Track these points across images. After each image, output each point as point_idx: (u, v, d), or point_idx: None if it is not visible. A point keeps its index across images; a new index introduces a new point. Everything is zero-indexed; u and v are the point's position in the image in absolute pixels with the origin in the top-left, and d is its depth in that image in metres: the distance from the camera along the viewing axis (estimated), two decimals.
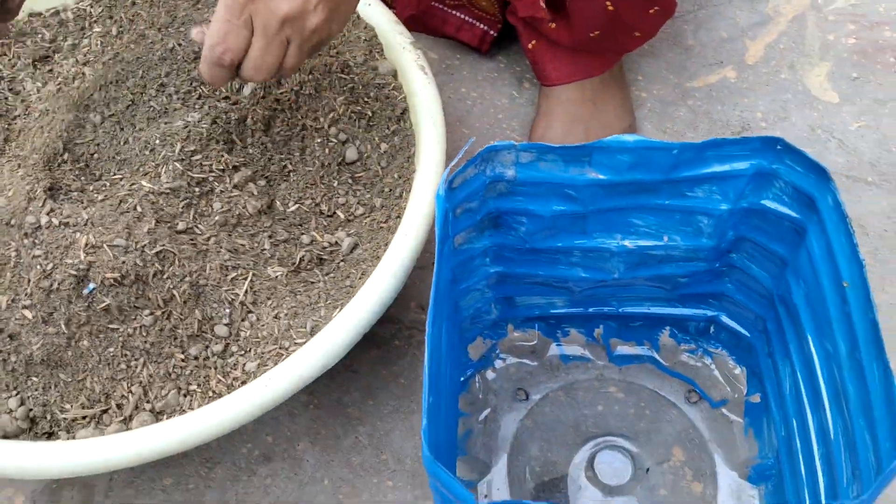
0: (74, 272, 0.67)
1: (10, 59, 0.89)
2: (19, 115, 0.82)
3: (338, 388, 0.84)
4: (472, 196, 0.64)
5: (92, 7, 0.90)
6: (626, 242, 0.69)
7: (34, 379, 0.68)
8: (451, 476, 0.47)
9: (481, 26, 1.06)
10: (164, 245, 0.69)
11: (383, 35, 0.87)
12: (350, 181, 0.80)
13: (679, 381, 0.83)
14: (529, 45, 0.99)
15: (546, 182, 0.64)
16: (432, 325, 0.54)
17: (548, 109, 0.99)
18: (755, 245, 0.69)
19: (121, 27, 0.86)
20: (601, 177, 0.63)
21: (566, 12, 0.91)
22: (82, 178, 0.73)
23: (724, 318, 0.79)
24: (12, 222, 0.69)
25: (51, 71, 0.87)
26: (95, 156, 0.75)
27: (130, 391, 0.68)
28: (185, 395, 0.68)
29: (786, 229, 0.65)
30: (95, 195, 0.72)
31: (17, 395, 0.67)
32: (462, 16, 1.07)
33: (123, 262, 0.68)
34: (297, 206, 0.77)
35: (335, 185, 0.80)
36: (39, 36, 0.90)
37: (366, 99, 0.83)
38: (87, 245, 0.67)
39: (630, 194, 0.65)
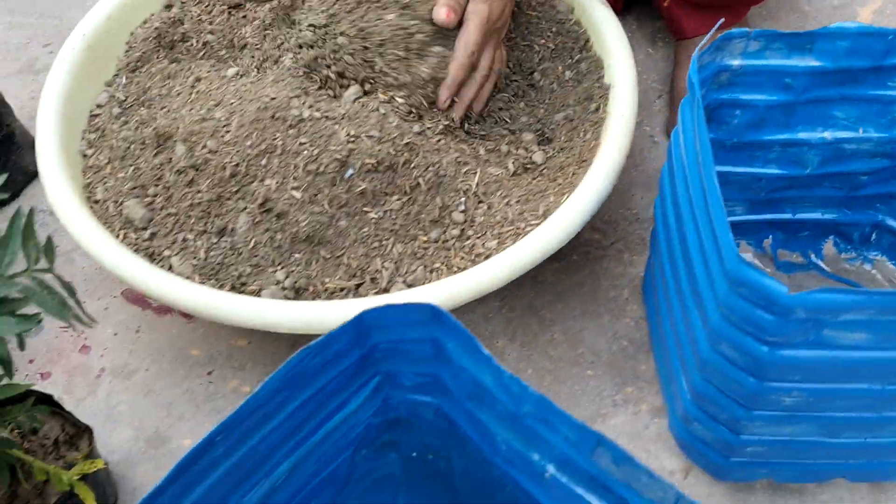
0: (339, 157, 0.74)
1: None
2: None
3: (527, 295, 0.90)
4: (702, 84, 0.72)
5: None
6: (826, 134, 0.77)
7: (297, 255, 0.74)
8: (761, 271, 0.54)
9: None
10: (410, 138, 0.76)
11: None
12: (540, 101, 0.88)
13: (844, 285, 0.90)
14: (665, 3, 1.08)
15: (767, 70, 0.72)
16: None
17: (687, 61, 1.07)
18: None
19: None
20: (819, 63, 0.71)
21: None
22: (336, 85, 0.80)
23: (890, 221, 0.87)
24: (276, 115, 0.76)
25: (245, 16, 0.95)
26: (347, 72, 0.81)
27: (384, 266, 0.74)
28: (430, 272, 0.75)
29: None
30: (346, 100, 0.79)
31: (282, 268, 0.74)
32: None
33: (379, 150, 0.75)
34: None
35: (523, 104, 0.88)
36: None
37: (549, 32, 0.92)
38: (347, 135, 0.74)
39: (838, 84, 0.73)
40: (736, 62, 0.72)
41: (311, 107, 0.76)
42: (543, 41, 0.92)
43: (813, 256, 0.91)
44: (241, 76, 0.85)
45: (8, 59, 1.17)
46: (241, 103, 0.79)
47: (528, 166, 0.84)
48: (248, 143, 0.75)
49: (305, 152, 0.74)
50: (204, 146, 0.76)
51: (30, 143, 0.99)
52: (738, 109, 0.76)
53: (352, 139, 0.75)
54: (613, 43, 0.88)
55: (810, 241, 0.90)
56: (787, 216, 0.88)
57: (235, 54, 0.92)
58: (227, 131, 0.76)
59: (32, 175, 1.00)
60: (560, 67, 0.91)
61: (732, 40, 0.71)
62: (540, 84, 0.90)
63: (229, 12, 0.96)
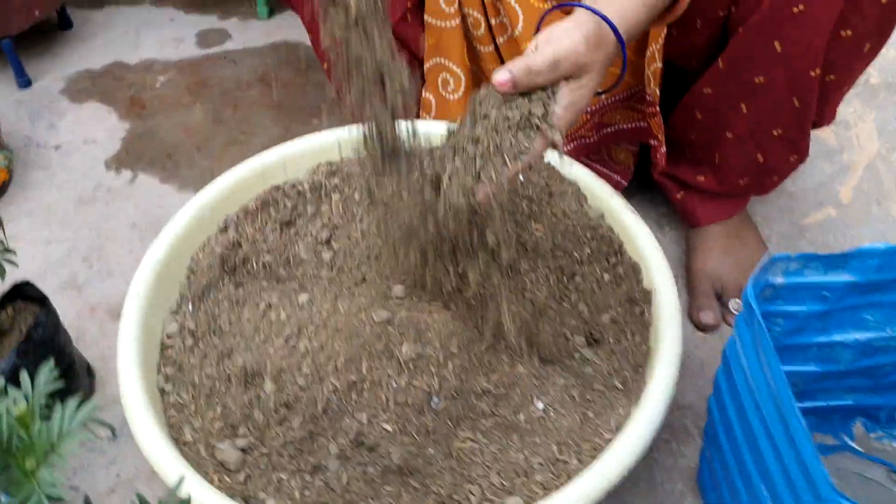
0: (426, 388, 0.79)
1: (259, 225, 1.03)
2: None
3: None
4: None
5: (327, 179, 1.06)
6: (858, 335, 0.85)
7: (388, 487, 0.77)
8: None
9: (615, 177, 1.25)
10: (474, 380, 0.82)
11: (587, 188, 1.04)
12: (583, 303, 0.95)
13: (878, 464, 0.96)
14: (678, 196, 1.18)
15: (806, 286, 0.81)
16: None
17: (702, 245, 1.17)
18: None
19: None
20: (852, 278, 0.80)
21: (717, 166, 1.11)
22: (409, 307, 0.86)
23: None
24: (365, 347, 0.81)
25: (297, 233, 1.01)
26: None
27: (472, 492, 0.78)
28: (521, 494, 0.78)
29: None
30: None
31: (374, 502, 0.77)
32: (599, 166, 1.26)
33: (461, 379, 0.80)
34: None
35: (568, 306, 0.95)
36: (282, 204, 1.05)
37: (584, 238, 1.00)
38: (432, 365, 0.80)
39: (869, 293, 0.82)
40: (779, 280, 0.80)
41: (398, 344, 0.82)
42: (580, 246, 1.00)
43: (845, 437, 0.97)
44: (313, 302, 0.90)
45: (49, 275, 1.21)
46: (324, 334, 0.83)
47: (585, 370, 0.90)
48: (339, 377, 0.80)
49: (395, 384, 0.79)
50: (294, 382, 0.80)
51: (85, 367, 1.02)
52: (780, 318, 0.84)
53: (435, 369, 0.80)
54: (647, 248, 0.96)
55: (840, 423, 0.97)
56: (821, 404, 0.95)
57: (292, 273, 0.98)
58: (317, 365, 0.81)
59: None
60: (598, 270, 0.98)
61: (777, 263, 0.79)
62: (581, 287, 0.97)
63: (281, 230, 1.03)
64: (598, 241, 1.01)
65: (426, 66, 1.16)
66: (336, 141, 1.07)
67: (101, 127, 1.48)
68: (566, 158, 1.06)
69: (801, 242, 1.23)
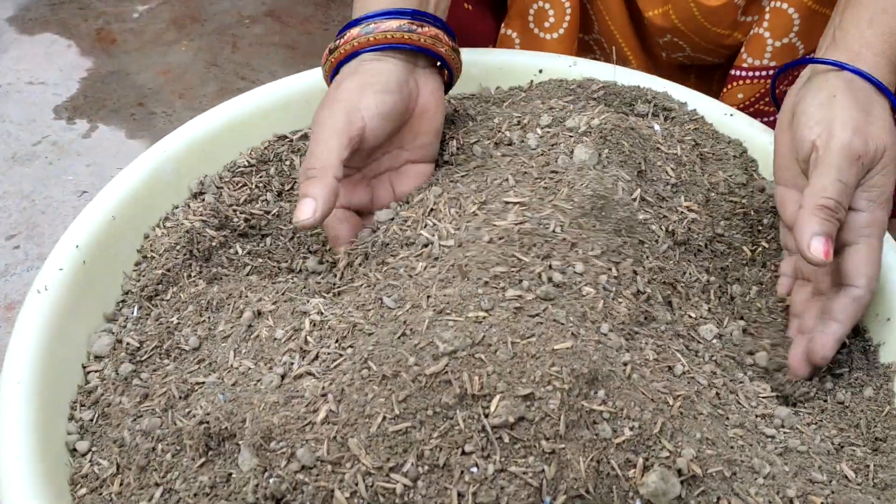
0: (536, 483, 0.43)
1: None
2: None
3: None
4: None
5: None
6: None
7: None
8: None
9: None
10: None
11: (759, 148, 0.68)
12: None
13: None
14: None
15: None
16: None
17: None
18: None
19: None
20: None
21: None
22: None
23: None
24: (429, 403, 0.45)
25: None
26: None
27: None
28: None
29: None
30: None
31: None
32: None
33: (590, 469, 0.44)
34: None
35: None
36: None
37: (759, 227, 0.65)
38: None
39: None
40: None
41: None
42: (753, 237, 0.65)
43: None
44: (332, 308, 0.55)
45: None
46: (348, 371, 0.48)
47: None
48: (375, 453, 0.44)
49: (476, 469, 0.43)
50: (292, 457, 0.45)
51: None
52: None
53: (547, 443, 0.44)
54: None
55: None
56: None
57: (305, 266, 0.63)
58: (335, 428, 0.45)
59: None
60: None
61: None
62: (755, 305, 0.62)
63: (283, 199, 0.68)
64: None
65: None
66: None
67: (55, 65, 1.13)
68: (722, 106, 0.71)
69: None
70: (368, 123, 0.57)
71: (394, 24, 0.59)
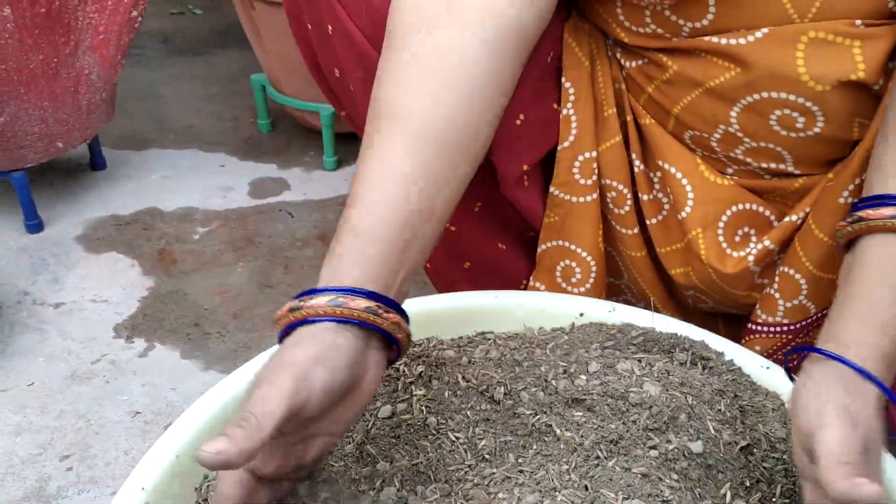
0: None
1: None
2: None
3: None
4: None
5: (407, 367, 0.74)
6: None
7: None
8: None
9: None
10: None
11: None
12: None
13: None
14: None
15: None
16: None
17: None
18: None
19: None
20: None
21: None
22: None
23: None
24: None
25: None
26: None
27: None
28: None
29: None
30: None
31: None
32: None
33: None
34: None
35: None
36: None
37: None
38: None
39: None
40: None
41: None
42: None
43: None
44: None
45: (10, 479, 0.88)
46: None
47: None
48: None
49: None
50: None
51: None
52: None
53: None
54: None
55: None
56: None
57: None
58: None
59: None
60: None
61: None
62: None
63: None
64: None
65: (540, 248, 0.87)
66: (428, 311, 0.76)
67: (118, 283, 1.20)
68: (758, 358, 0.74)
69: None
70: (312, 396, 0.55)
71: (362, 303, 0.58)
